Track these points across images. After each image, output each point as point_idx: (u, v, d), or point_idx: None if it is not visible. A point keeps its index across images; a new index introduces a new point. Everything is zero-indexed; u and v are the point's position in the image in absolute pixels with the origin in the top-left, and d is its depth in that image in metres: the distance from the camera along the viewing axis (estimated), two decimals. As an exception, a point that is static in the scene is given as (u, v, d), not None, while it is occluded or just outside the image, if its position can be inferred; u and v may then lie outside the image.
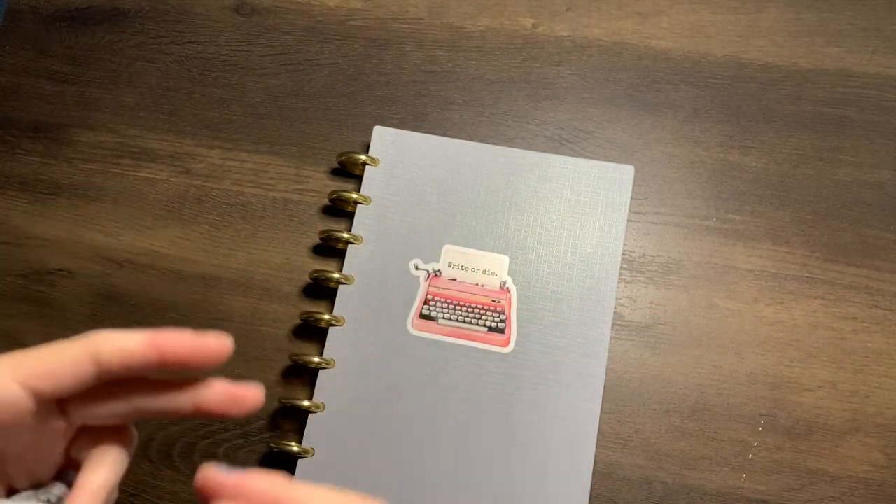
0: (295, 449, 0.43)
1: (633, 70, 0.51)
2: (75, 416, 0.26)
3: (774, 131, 0.49)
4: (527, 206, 0.47)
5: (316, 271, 0.47)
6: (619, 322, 0.46)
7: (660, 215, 0.48)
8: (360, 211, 0.48)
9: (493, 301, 0.46)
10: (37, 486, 0.27)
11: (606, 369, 0.45)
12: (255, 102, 0.52)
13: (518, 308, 0.46)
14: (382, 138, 0.49)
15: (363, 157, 0.48)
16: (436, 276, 0.47)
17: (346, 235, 0.47)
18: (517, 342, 0.45)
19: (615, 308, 0.47)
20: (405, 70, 0.52)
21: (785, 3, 0.51)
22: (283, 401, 0.45)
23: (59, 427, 0.26)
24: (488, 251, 0.47)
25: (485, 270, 0.47)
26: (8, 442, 0.25)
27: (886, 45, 0.50)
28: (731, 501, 0.44)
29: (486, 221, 0.47)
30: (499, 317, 0.46)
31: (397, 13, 0.53)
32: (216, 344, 0.26)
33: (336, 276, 0.46)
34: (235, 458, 0.46)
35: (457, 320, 0.46)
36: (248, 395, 0.26)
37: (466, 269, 0.47)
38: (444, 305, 0.46)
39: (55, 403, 0.26)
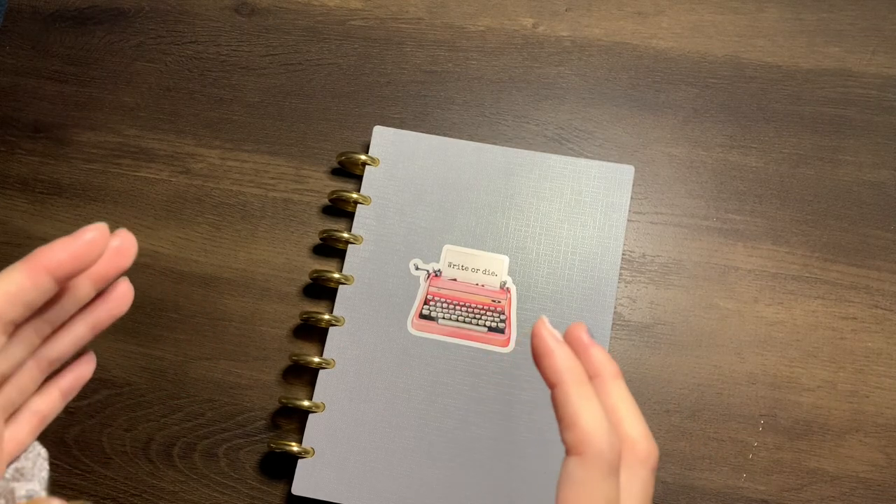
0: (295, 449, 0.43)
1: (633, 70, 0.51)
2: None
3: (774, 131, 0.49)
4: (527, 206, 0.47)
5: (316, 271, 0.47)
6: (619, 322, 0.46)
7: (660, 215, 0.48)
8: (360, 211, 0.48)
9: (493, 301, 0.46)
10: None
11: (606, 369, 0.45)
12: (255, 102, 0.52)
13: (518, 308, 0.46)
14: (382, 138, 0.49)
15: (363, 157, 0.48)
16: (436, 276, 0.47)
17: (346, 235, 0.47)
18: (517, 342, 0.45)
19: (615, 308, 0.47)
20: (405, 70, 0.52)
21: (785, 3, 0.51)
22: (283, 401, 0.45)
23: None
24: (488, 251, 0.47)
25: (485, 270, 0.47)
26: None
27: (886, 45, 0.50)
28: (731, 501, 0.44)
29: (486, 221, 0.47)
30: (499, 317, 0.46)
31: (397, 13, 0.53)
32: (93, 233, 0.25)
33: (336, 276, 0.46)
34: (235, 458, 0.46)
35: (457, 320, 0.46)
36: (123, 244, 0.27)
37: (466, 269, 0.47)
38: (444, 305, 0.46)
39: None
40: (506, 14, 0.52)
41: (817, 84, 0.50)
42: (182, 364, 0.47)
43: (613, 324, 0.46)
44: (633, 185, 0.48)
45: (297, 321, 0.48)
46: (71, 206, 0.50)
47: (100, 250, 0.25)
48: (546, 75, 0.51)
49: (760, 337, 0.46)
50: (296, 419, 0.46)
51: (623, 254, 0.47)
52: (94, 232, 0.25)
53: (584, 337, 0.27)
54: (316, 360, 0.45)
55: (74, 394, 0.31)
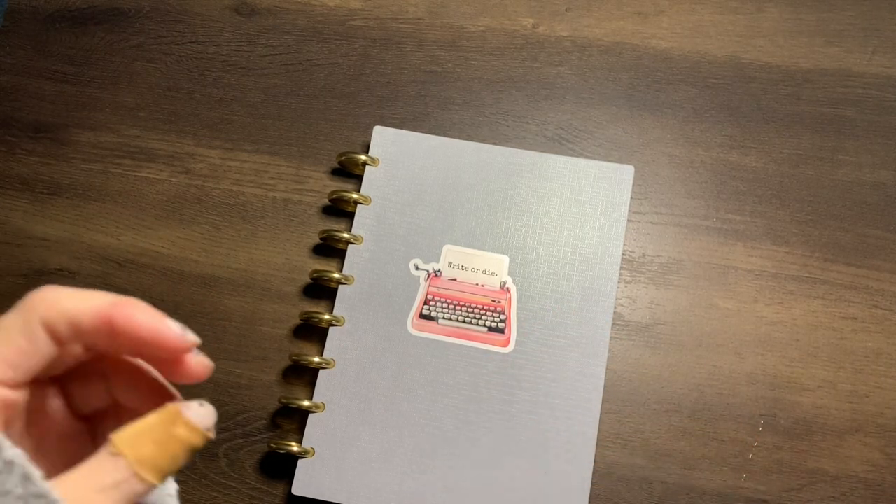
0: (295, 449, 0.43)
1: (633, 70, 0.51)
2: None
3: (774, 131, 0.49)
4: (527, 206, 0.47)
5: (316, 271, 0.47)
6: (619, 322, 0.46)
7: (660, 215, 0.48)
8: (360, 211, 0.48)
9: (493, 301, 0.46)
10: None
11: (606, 369, 0.45)
12: (255, 102, 0.52)
13: (518, 308, 0.46)
14: (382, 138, 0.49)
15: (363, 157, 0.48)
16: (436, 276, 0.47)
17: (346, 235, 0.47)
18: (517, 342, 0.45)
19: (615, 308, 0.47)
20: (405, 70, 0.52)
21: (785, 3, 0.51)
22: (283, 401, 0.45)
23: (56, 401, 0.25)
24: (488, 251, 0.47)
25: (485, 270, 0.47)
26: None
27: (886, 45, 0.50)
28: (731, 501, 0.44)
29: (486, 221, 0.47)
30: (499, 317, 0.46)
31: (397, 13, 0.53)
32: (176, 336, 0.23)
33: (336, 276, 0.46)
34: (235, 458, 0.46)
35: (457, 320, 0.46)
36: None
37: (466, 269, 0.47)
38: (444, 305, 0.46)
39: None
40: (506, 14, 0.52)
41: (817, 84, 0.50)
42: (182, 364, 0.47)
43: (613, 324, 0.46)
44: (633, 185, 0.48)
45: (297, 321, 0.48)
46: (71, 206, 0.50)
47: (173, 350, 0.23)
48: (546, 75, 0.51)
49: (760, 337, 0.46)
50: (296, 419, 0.46)
51: (623, 254, 0.47)
52: (180, 335, 0.23)
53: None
54: (316, 360, 0.45)
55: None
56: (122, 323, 0.22)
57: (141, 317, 0.22)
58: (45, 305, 0.22)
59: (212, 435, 0.23)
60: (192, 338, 0.23)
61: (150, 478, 0.21)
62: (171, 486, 0.25)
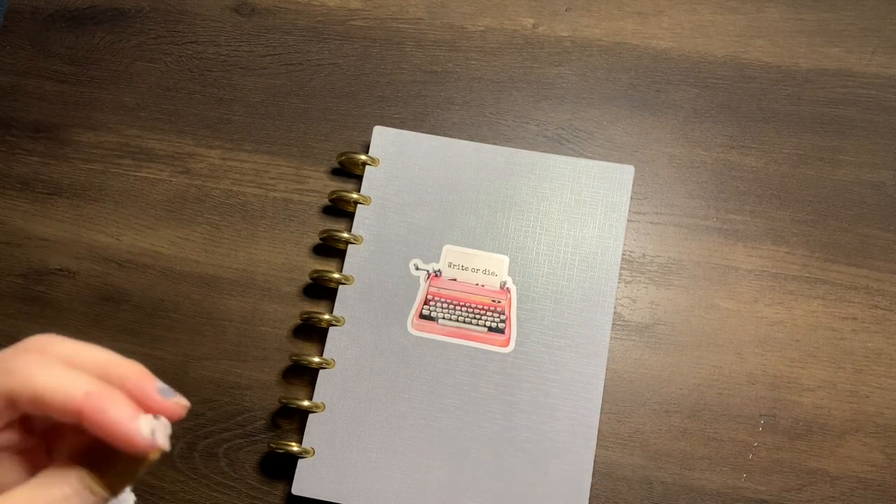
0: (295, 449, 0.43)
1: (633, 70, 0.51)
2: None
3: (774, 131, 0.49)
4: (527, 206, 0.47)
5: (316, 271, 0.47)
6: (619, 322, 0.46)
7: (660, 215, 0.48)
8: (360, 211, 0.48)
9: (493, 301, 0.46)
10: None
11: (606, 369, 0.45)
12: (255, 102, 0.52)
13: (518, 308, 0.46)
14: (382, 138, 0.49)
15: (363, 157, 0.48)
16: (436, 276, 0.47)
17: (346, 235, 0.47)
18: (517, 342, 0.45)
19: (615, 308, 0.47)
20: (405, 70, 0.52)
21: (785, 3, 0.51)
22: (283, 401, 0.45)
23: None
24: (488, 251, 0.47)
25: (485, 270, 0.47)
26: None
27: (886, 45, 0.50)
28: (731, 501, 0.44)
29: (486, 221, 0.47)
30: (499, 317, 0.46)
31: (397, 13, 0.53)
32: (145, 442, 0.22)
33: (336, 276, 0.46)
34: (235, 458, 0.46)
35: (457, 320, 0.46)
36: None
37: (466, 269, 0.47)
38: (445, 305, 0.46)
39: None
40: (506, 14, 0.52)
41: (817, 84, 0.50)
42: (182, 364, 0.47)
43: (613, 324, 0.46)
44: (633, 185, 0.48)
45: (297, 321, 0.48)
46: (71, 206, 0.50)
47: (140, 450, 0.22)
48: (546, 75, 0.51)
49: (760, 337, 0.46)
50: (296, 419, 0.46)
51: (623, 254, 0.47)
52: (149, 440, 0.22)
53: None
54: (316, 360, 0.45)
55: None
56: (92, 418, 0.22)
57: (113, 414, 0.22)
58: (17, 380, 0.22)
59: (167, 447, 0.23)
60: (161, 443, 0.22)
61: (102, 491, 0.21)
62: (129, 499, 0.25)
